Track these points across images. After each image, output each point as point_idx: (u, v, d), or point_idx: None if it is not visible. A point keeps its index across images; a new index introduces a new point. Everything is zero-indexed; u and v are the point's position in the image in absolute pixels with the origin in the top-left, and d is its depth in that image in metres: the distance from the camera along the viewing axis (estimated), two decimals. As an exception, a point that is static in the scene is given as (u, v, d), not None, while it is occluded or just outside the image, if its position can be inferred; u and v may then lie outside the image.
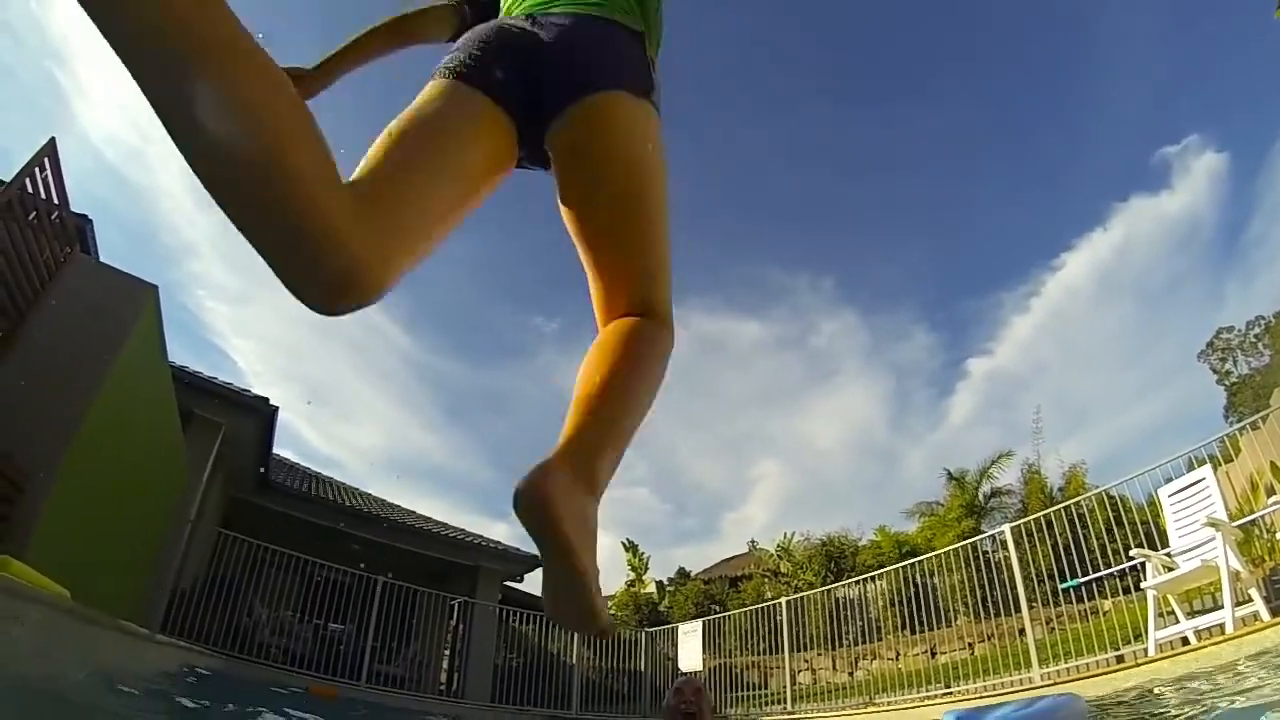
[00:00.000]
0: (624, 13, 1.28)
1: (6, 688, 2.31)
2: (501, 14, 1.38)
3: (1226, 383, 32.30)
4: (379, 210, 0.87)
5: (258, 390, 10.13)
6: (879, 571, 11.64)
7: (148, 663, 5.05)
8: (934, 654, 12.14)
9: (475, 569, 13.69)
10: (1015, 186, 37.78)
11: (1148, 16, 32.21)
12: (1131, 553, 6.34)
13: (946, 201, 38.52)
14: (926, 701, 8.25)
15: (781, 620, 10.94)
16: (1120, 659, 6.74)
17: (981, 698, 7.34)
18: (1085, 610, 9.41)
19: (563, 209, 1.24)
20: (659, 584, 25.10)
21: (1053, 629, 9.33)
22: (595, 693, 12.86)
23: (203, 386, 9.50)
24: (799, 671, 12.79)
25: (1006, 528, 8.21)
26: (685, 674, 11.17)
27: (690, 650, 11.96)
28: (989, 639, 10.03)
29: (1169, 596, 5.92)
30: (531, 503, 0.83)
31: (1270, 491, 7.19)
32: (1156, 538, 6.61)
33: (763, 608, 11.82)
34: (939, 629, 11.54)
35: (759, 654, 12.09)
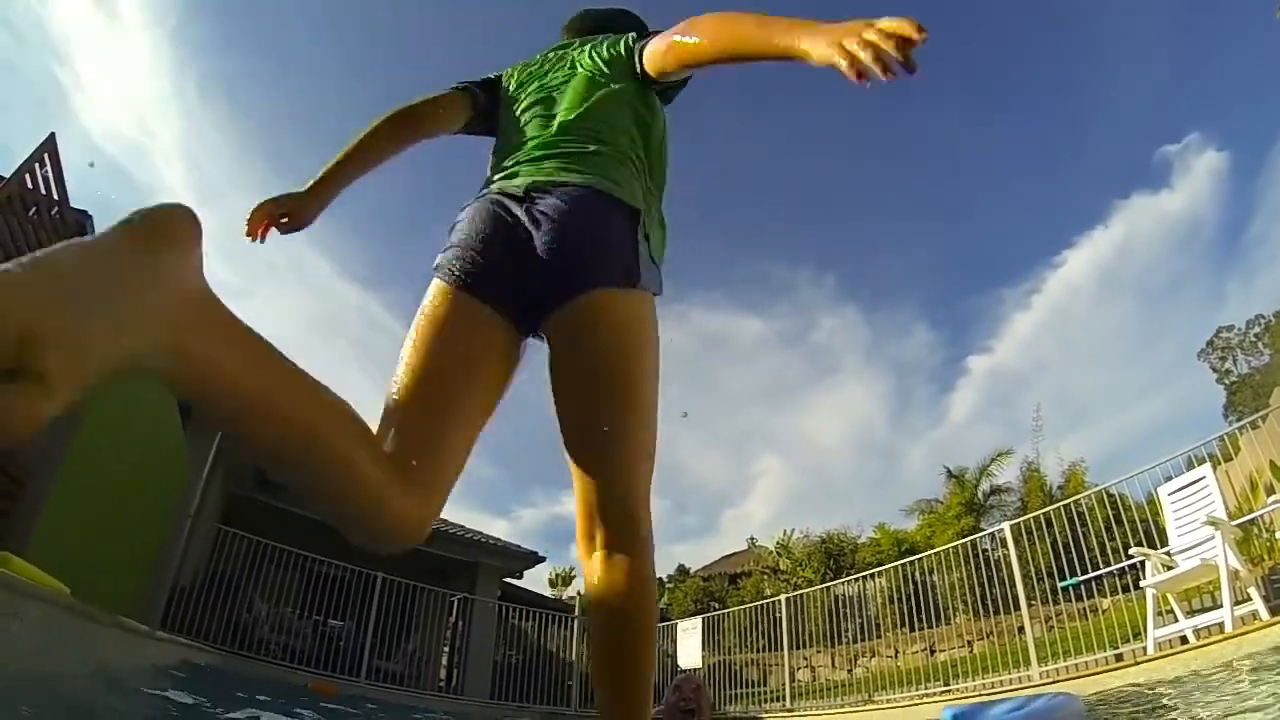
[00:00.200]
0: (623, 181, 1.30)
1: (5, 685, 2.31)
2: (501, 170, 1.39)
3: (1226, 382, 32.33)
4: (423, 478, 1.03)
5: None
6: (878, 569, 11.65)
7: (147, 659, 5.05)
8: (933, 652, 12.15)
9: (475, 565, 13.69)
10: (1017, 184, 37.83)
11: (1149, 16, 32.22)
12: (1131, 551, 6.34)
13: (948, 199, 38.55)
14: (925, 699, 8.25)
15: (781, 617, 10.94)
16: (1119, 657, 6.74)
17: (980, 696, 7.35)
18: (1084, 609, 9.43)
19: (551, 386, 1.29)
20: (659, 580, 25.11)
21: (1052, 627, 9.34)
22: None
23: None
24: (798, 669, 12.80)
25: (1006, 526, 8.21)
26: (684, 671, 11.17)
27: (689, 647, 11.96)
28: (988, 637, 10.05)
29: (1168, 595, 5.92)
30: None
31: (1270, 490, 7.20)
32: (1156, 536, 6.61)
33: (762, 605, 11.83)
34: (938, 627, 11.54)
35: (758, 651, 12.10)
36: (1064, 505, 7.85)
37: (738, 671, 12.39)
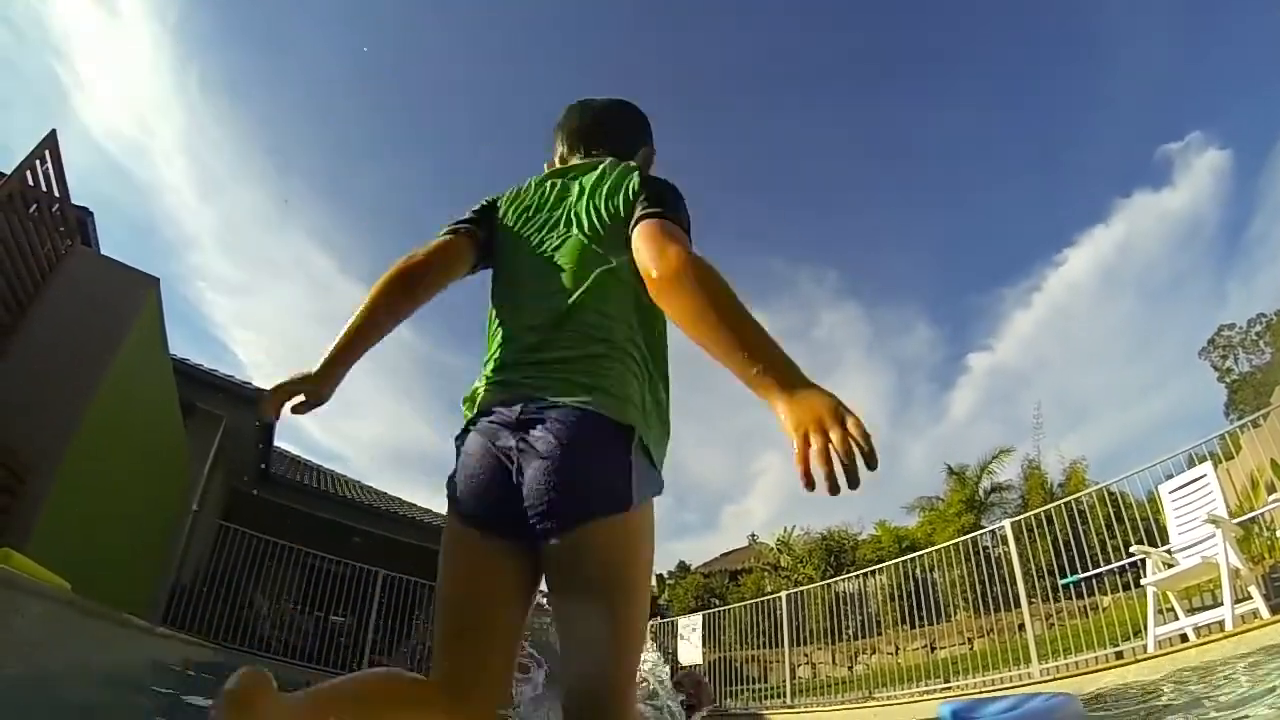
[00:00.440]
0: (621, 392, 1.26)
1: (7, 684, 2.31)
2: (496, 375, 1.37)
3: (1227, 380, 32.28)
4: (474, 696, 1.22)
5: (259, 383, 10.13)
6: (879, 566, 11.65)
7: (148, 655, 5.07)
8: (933, 649, 12.15)
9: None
10: (1018, 182, 37.77)
11: (1150, 13, 32.12)
12: (1131, 549, 6.34)
13: (949, 196, 38.49)
14: (925, 696, 8.26)
15: (781, 614, 10.96)
16: (1119, 655, 6.74)
17: (980, 693, 7.36)
18: (1085, 606, 9.42)
19: (547, 595, 1.31)
20: (659, 577, 25.16)
21: (1052, 625, 9.34)
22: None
23: (204, 379, 9.51)
24: (798, 665, 12.81)
25: (1007, 523, 8.22)
26: (685, 668, 11.18)
27: (690, 644, 11.99)
28: (988, 634, 10.05)
29: (1169, 593, 5.92)
30: None
31: (1270, 489, 7.20)
32: (1156, 534, 6.62)
33: (762, 602, 11.84)
34: (938, 624, 11.54)
35: (759, 648, 12.11)
36: (1065, 503, 7.85)
37: (738, 668, 12.40)
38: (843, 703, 9.46)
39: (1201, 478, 5.80)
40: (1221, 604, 5.04)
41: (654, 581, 24.51)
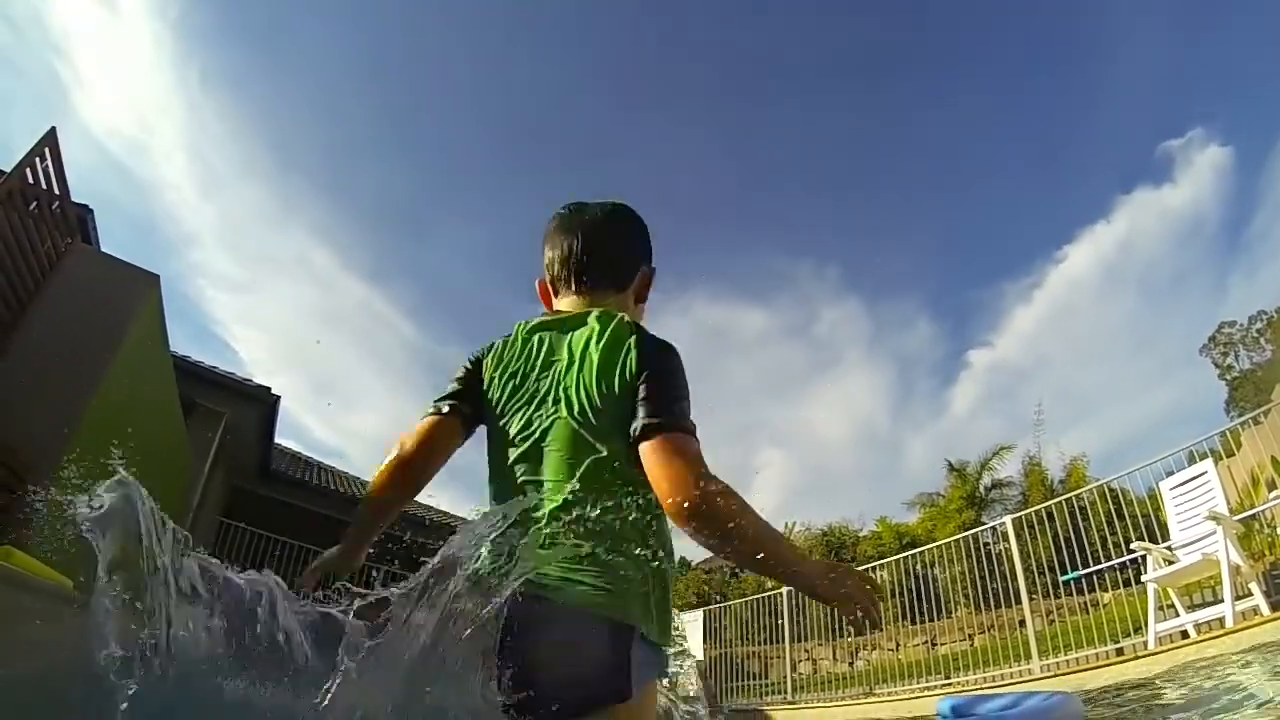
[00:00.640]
0: (621, 590, 1.22)
1: (8, 679, 2.32)
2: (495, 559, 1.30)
3: (1228, 377, 32.27)
4: None
5: (260, 380, 10.14)
6: (879, 562, 11.64)
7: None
8: (934, 645, 12.16)
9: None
10: (1019, 178, 37.69)
11: (1152, 9, 32.03)
12: (1132, 546, 6.35)
13: (951, 192, 38.43)
14: (926, 692, 8.27)
15: (782, 610, 10.97)
16: (1120, 651, 6.75)
17: (981, 689, 7.37)
18: (1085, 603, 9.43)
19: None
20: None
21: (1053, 621, 9.35)
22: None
23: (205, 376, 9.52)
24: (799, 661, 12.83)
25: (1008, 519, 8.22)
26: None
27: (691, 640, 12.00)
28: (989, 630, 10.06)
29: (1169, 590, 5.93)
30: None
31: (1271, 486, 7.20)
32: (1157, 531, 6.62)
33: (763, 598, 11.85)
34: (939, 620, 11.56)
35: (759, 644, 12.12)
36: (1065, 499, 7.86)
37: (739, 664, 12.41)
38: (843, 699, 9.47)
39: (1202, 474, 5.80)
40: (1222, 601, 5.04)
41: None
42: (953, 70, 35.60)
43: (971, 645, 10.45)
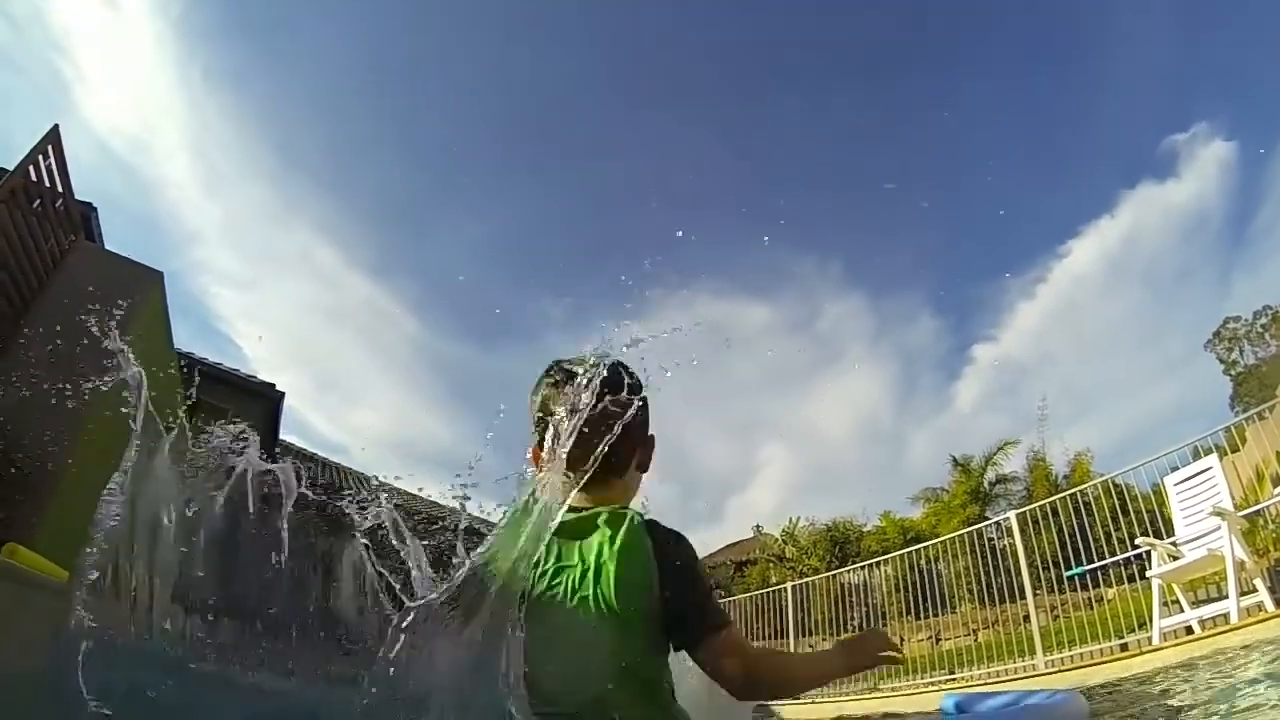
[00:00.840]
0: None
1: (12, 675, 2.32)
2: None
3: (1233, 372, 32.16)
4: None
5: (264, 376, 10.17)
6: (884, 557, 11.66)
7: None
8: (938, 640, 12.17)
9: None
10: (1022, 174, 37.44)
11: (1154, 3, 31.82)
12: (1137, 541, 6.33)
13: (954, 187, 38.25)
14: (930, 687, 8.28)
15: (786, 605, 10.99)
16: (1124, 647, 6.74)
17: (985, 684, 7.37)
18: (1089, 598, 9.42)
19: None
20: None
21: (1057, 616, 9.33)
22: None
23: (209, 373, 9.54)
24: (803, 656, 12.83)
25: (1012, 514, 8.21)
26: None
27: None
28: (993, 625, 10.05)
29: (1174, 585, 5.91)
30: None
31: (1276, 482, 7.16)
32: (1162, 526, 6.60)
33: (768, 593, 11.87)
34: (943, 615, 11.56)
35: (764, 638, 12.13)
36: (1069, 494, 7.85)
37: (743, 659, 12.42)
38: (847, 693, 9.47)
39: (1207, 470, 5.78)
40: (1227, 596, 5.03)
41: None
42: (955, 64, 35.41)
43: (975, 640, 10.46)
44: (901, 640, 12.68)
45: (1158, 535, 6.33)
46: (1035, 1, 30.83)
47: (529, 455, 1.54)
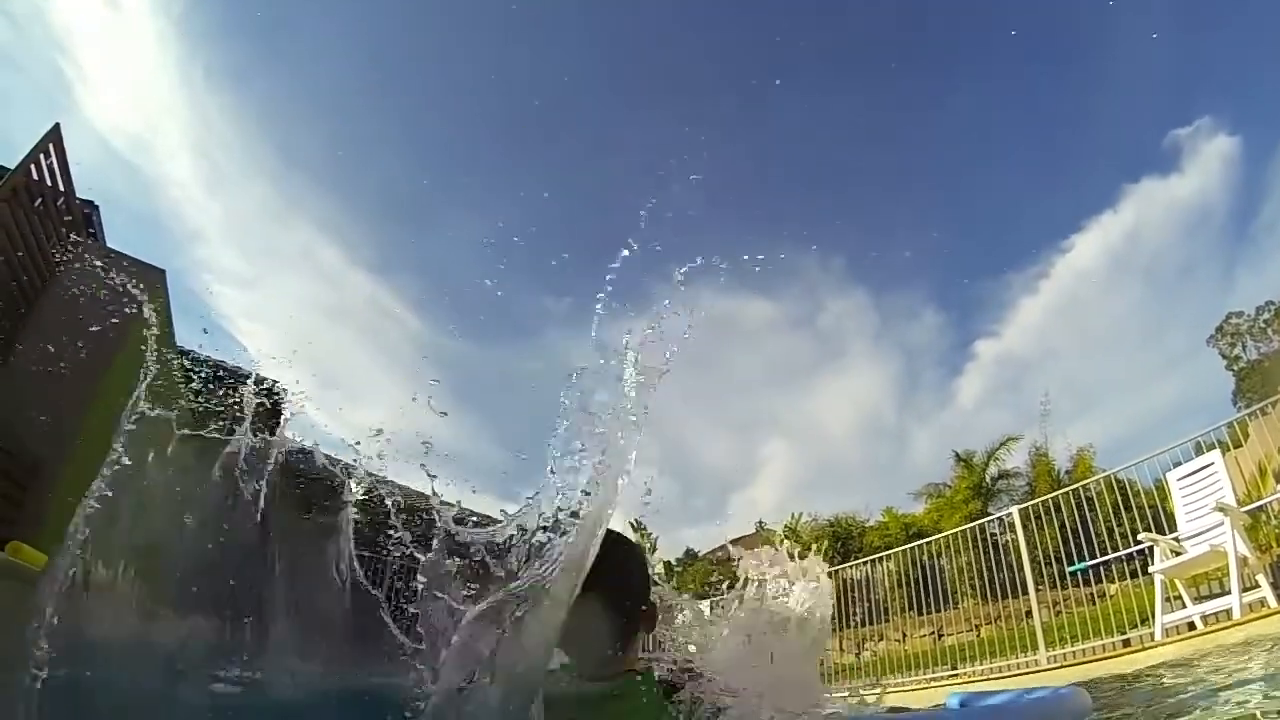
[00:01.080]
0: None
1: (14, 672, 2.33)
2: None
3: (1235, 368, 32.08)
4: None
5: (267, 374, 10.16)
6: (886, 553, 11.64)
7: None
8: (940, 636, 12.18)
9: (483, 549, 13.76)
10: (1025, 168, 37.37)
11: (1156, 2, 31.71)
12: (1139, 536, 6.33)
13: (957, 182, 38.19)
14: (932, 683, 8.28)
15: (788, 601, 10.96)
16: (1126, 643, 6.74)
17: (987, 680, 7.37)
18: (1092, 594, 9.42)
19: None
20: (667, 564, 25.24)
21: (1059, 612, 9.33)
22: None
23: (211, 371, 9.55)
24: (805, 652, 12.83)
25: (1014, 510, 8.20)
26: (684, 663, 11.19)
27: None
28: (995, 621, 10.05)
29: (1176, 581, 5.91)
30: None
31: (1278, 477, 7.16)
32: (1164, 522, 6.59)
33: (769, 589, 11.85)
34: (945, 611, 11.55)
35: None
36: (1072, 490, 7.84)
37: (745, 655, 12.43)
38: (850, 689, 9.48)
39: (1210, 465, 5.78)
40: (1229, 592, 5.03)
41: (661, 569, 24.61)
42: (957, 59, 35.33)
43: (978, 636, 10.45)
44: (904, 636, 12.69)
45: (1160, 531, 6.32)
46: (1035, 1, 30.74)
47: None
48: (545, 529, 1.31)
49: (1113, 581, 9.49)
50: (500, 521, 1.46)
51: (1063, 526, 7.85)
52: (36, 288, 4.67)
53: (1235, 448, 6.68)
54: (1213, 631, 4.86)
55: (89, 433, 4.68)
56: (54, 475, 4.29)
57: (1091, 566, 7.72)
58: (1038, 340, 41.24)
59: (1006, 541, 8.88)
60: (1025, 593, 7.74)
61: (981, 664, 8.70)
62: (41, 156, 4.60)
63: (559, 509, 1.33)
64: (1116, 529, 7.34)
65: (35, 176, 4.58)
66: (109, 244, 6.28)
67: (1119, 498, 7.55)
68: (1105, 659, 5.77)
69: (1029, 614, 7.77)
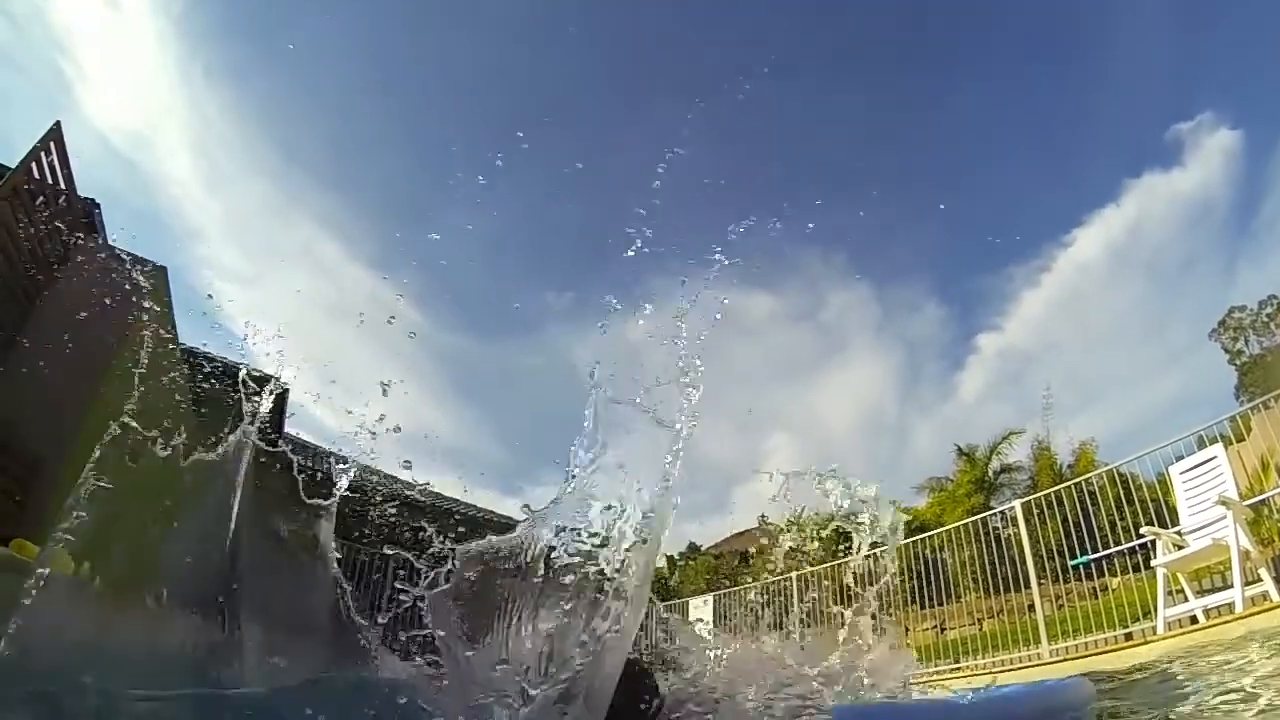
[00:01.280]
0: None
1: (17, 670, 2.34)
2: None
3: (1238, 362, 31.98)
4: None
5: (268, 370, 10.15)
6: (886, 547, 11.66)
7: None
8: (943, 629, 12.17)
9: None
10: (1027, 162, 37.24)
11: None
12: (1142, 530, 6.32)
13: (959, 176, 38.06)
14: (935, 677, 8.28)
15: (791, 595, 10.99)
16: (1129, 636, 6.74)
17: (990, 673, 7.38)
18: (1094, 587, 9.42)
19: None
20: (669, 558, 25.25)
21: (1061, 606, 9.34)
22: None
23: (214, 367, 9.55)
24: (808, 646, 12.85)
25: (1017, 504, 8.20)
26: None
27: (701, 624, 12.05)
28: (998, 615, 10.05)
29: (1178, 575, 5.90)
30: None
31: (1281, 470, 7.16)
32: (1166, 516, 6.59)
33: (773, 583, 11.87)
34: (948, 604, 11.55)
35: (769, 629, 12.16)
36: (1074, 484, 7.84)
37: (748, 649, 12.45)
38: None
39: (1212, 459, 5.77)
40: (1232, 586, 5.03)
41: (664, 563, 24.65)
42: (959, 53, 35.19)
43: (980, 630, 10.45)
44: (906, 630, 12.69)
45: (1162, 525, 6.31)
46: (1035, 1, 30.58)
47: None
48: (594, 535, 1.37)
49: (1115, 575, 9.49)
50: (524, 519, 1.52)
51: (1065, 520, 7.86)
52: (40, 284, 4.68)
53: (1237, 442, 6.67)
54: (1215, 625, 4.86)
55: (89, 431, 4.69)
56: (55, 474, 4.30)
57: (1094, 560, 7.72)
58: (1040, 334, 41.12)
59: (1009, 535, 8.88)
60: (1028, 586, 7.75)
61: (984, 657, 8.71)
62: (42, 155, 4.60)
63: (614, 520, 1.39)
64: (1119, 523, 7.34)
65: (36, 175, 4.58)
66: (110, 241, 6.28)
67: (1121, 491, 7.54)
68: (1107, 652, 5.77)
69: (1031, 608, 7.78)
